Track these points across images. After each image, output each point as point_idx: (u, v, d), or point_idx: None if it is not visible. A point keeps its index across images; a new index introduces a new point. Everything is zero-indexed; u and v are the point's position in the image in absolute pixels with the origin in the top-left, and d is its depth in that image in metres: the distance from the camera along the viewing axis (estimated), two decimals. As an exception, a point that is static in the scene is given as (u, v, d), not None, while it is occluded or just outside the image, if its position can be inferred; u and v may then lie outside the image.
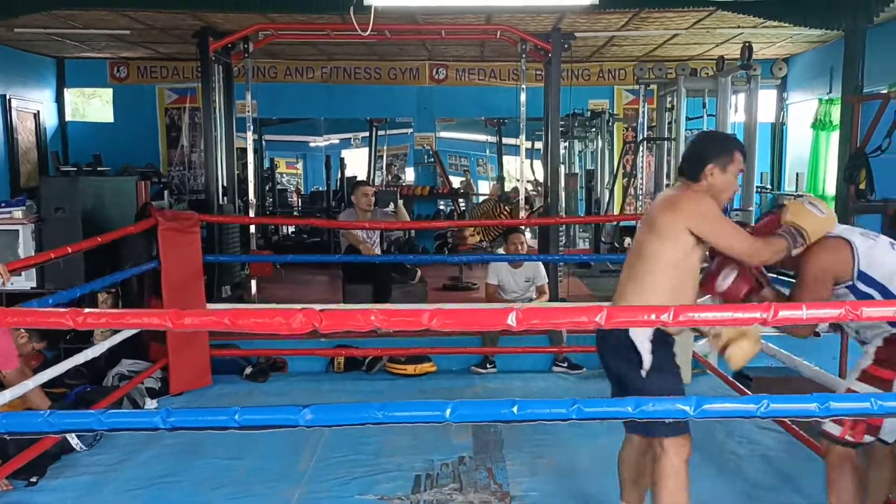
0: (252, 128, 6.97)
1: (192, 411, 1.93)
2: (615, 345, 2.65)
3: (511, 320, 1.90)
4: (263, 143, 11.10)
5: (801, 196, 2.71)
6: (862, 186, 5.68)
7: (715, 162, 2.63)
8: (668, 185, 8.66)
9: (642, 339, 2.60)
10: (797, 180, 9.82)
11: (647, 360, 2.59)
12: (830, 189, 8.67)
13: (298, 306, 1.99)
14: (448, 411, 1.93)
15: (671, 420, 2.47)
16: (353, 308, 2.02)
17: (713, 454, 3.87)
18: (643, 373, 2.57)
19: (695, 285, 2.72)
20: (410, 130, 10.92)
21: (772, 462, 3.80)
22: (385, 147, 11.61)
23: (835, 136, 8.08)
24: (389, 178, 11.59)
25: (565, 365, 5.50)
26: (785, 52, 9.67)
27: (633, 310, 2.19)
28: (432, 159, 10.88)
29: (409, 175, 11.49)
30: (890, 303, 1.97)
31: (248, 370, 5.31)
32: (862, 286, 2.54)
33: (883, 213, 5.94)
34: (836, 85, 8.22)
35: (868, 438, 2.57)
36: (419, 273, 6.46)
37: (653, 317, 2.08)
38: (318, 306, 2.01)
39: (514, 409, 1.95)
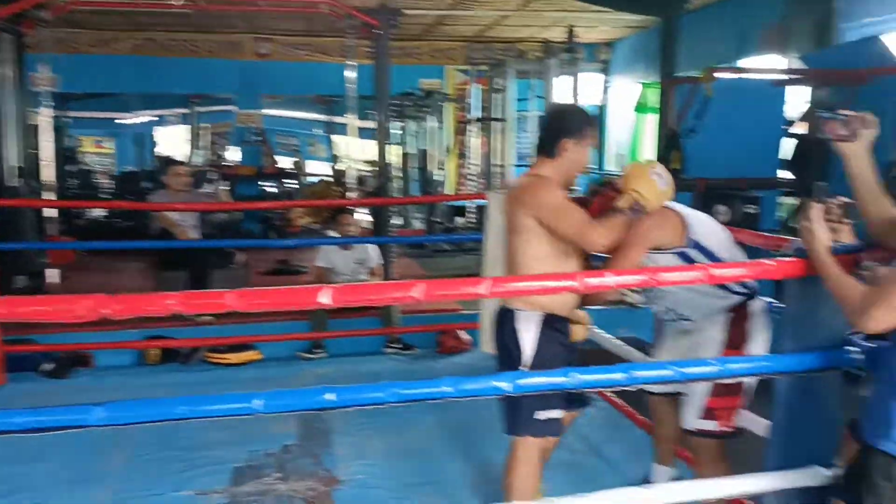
0: (51, 103, 6.27)
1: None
2: (501, 332, 2.58)
3: (325, 298, 1.78)
4: (66, 120, 10.11)
5: (650, 162, 2.60)
6: (676, 166, 6.03)
7: (569, 136, 2.55)
8: (499, 165, 8.83)
9: (528, 327, 2.51)
10: (619, 161, 10.38)
11: (526, 353, 2.51)
12: (648, 168, 9.23)
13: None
14: (258, 402, 1.80)
15: (542, 418, 2.50)
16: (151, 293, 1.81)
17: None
18: (522, 368, 2.49)
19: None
20: (233, 107, 10.37)
21: (581, 429, 3.90)
22: (206, 125, 10.97)
23: (654, 118, 8.55)
24: (212, 157, 10.95)
25: (398, 346, 5.45)
26: (608, 36, 10.13)
27: (449, 283, 2.10)
28: (259, 138, 10.41)
29: (235, 154, 10.92)
30: (683, 267, 2.00)
31: (47, 366, 4.80)
32: (695, 254, 2.50)
33: (693, 191, 6.36)
34: (656, 69, 8.70)
35: (738, 422, 2.56)
36: (242, 257, 6.12)
37: (469, 289, 2.01)
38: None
39: (330, 397, 1.84)
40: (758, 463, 2.21)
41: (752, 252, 2.64)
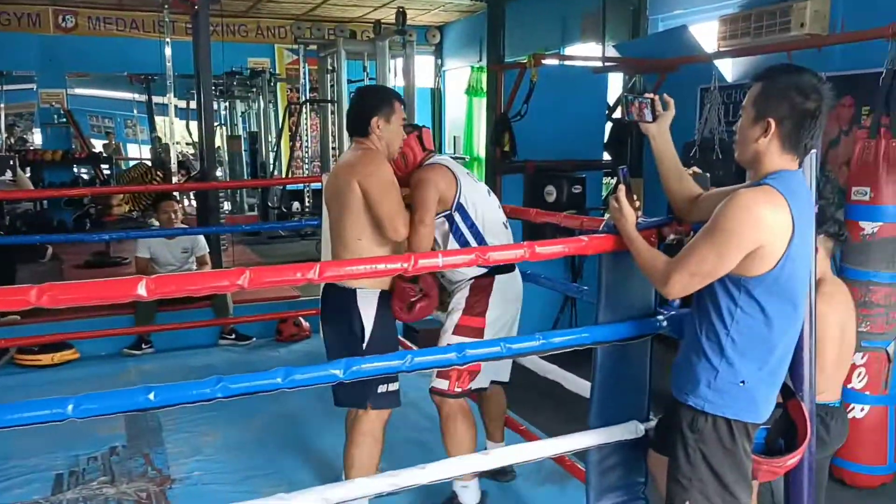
0: None
1: None
2: (340, 313, 2.63)
3: (141, 290, 1.68)
4: None
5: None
6: (506, 148, 6.21)
7: (379, 114, 2.64)
8: (334, 148, 8.72)
9: (369, 305, 2.60)
10: (455, 143, 10.57)
11: (368, 329, 2.60)
12: (482, 151, 9.48)
13: None
14: (70, 407, 1.68)
15: (383, 391, 2.62)
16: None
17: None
18: (364, 346, 2.58)
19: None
20: (34, 86, 9.50)
21: (426, 406, 3.97)
22: (2, 105, 9.87)
23: (485, 102, 8.76)
24: (12, 141, 9.91)
25: (232, 337, 5.29)
26: (439, 19, 10.24)
27: (278, 269, 2.01)
28: (64, 119, 9.57)
29: (38, 138, 10.00)
30: (511, 246, 2.10)
31: None
32: (458, 218, 2.71)
33: (524, 173, 6.59)
34: (485, 54, 8.91)
35: (474, 385, 2.77)
36: (50, 250, 5.63)
37: (298, 275, 1.97)
38: None
39: (151, 396, 1.74)
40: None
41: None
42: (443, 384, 2.74)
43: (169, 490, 3.18)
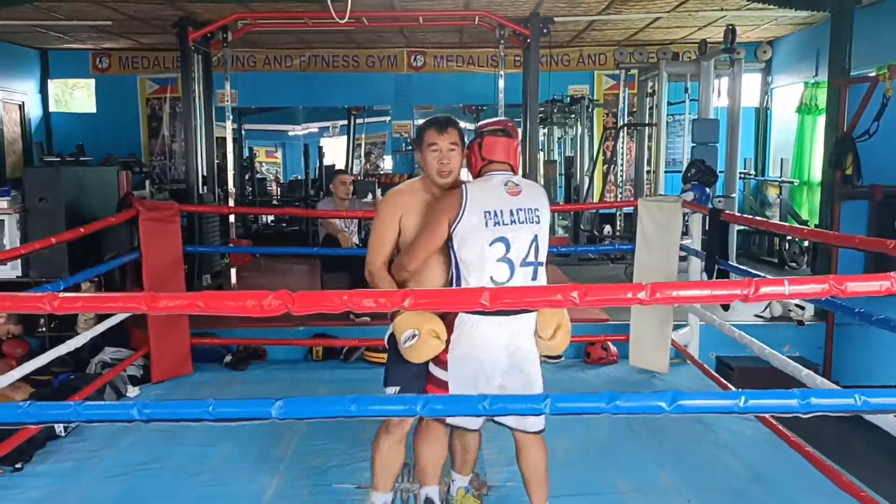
0: (231, 117, 6.90)
1: (167, 404, 1.89)
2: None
3: (484, 300, 1.86)
4: (243, 132, 11.04)
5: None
6: (848, 172, 5.66)
7: (416, 147, 2.87)
8: (648, 172, 8.68)
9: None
10: (781, 166, 9.81)
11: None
12: (816, 174, 8.69)
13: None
14: (419, 406, 1.85)
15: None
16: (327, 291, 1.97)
17: (688, 443, 3.94)
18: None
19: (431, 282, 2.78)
20: (388, 118, 10.92)
21: (741, 451, 3.85)
22: (363, 135, 11.57)
23: (821, 121, 8.06)
24: (368, 166, 11.54)
25: (543, 355, 5.48)
26: (769, 34, 9.64)
27: (607, 288, 1.97)
28: (410, 147, 10.86)
29: (388, 163, 11.47)
30: (876, 276, 1.74)
31: (228, 358, 5.33)
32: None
33: (870, 200, 5.95)
34: (822, 68, 8.16)
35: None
36: (399, 261, 6.44)
37: (630, 294, 1.96)
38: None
39: (485, 405, 1.84)
40: None
41: None
42: None
43: (486, 496, 3.33)
